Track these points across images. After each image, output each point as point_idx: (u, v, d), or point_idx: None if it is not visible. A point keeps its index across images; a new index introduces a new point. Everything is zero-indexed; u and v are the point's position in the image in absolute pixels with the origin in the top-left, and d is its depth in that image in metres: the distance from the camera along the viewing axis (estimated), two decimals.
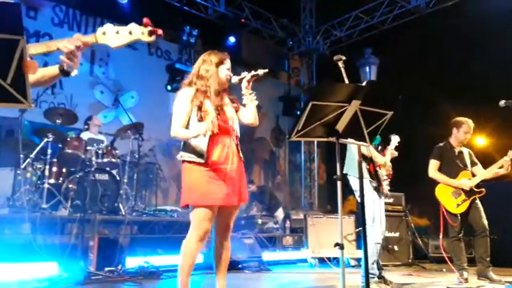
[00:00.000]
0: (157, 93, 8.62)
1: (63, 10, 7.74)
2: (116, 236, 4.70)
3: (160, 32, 1.72)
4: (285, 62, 10.71)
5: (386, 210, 6.04)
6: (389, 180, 3.71)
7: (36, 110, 6.00)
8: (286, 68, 10.80)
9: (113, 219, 4.85)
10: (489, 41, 7.75)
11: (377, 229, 3.53)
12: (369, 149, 2.82)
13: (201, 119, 2.61)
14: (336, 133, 2.18)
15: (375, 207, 3.52)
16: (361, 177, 2.30)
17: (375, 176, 3.52)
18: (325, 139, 2.22)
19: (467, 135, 4.42)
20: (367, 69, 8.36)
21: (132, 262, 4.52)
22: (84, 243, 4.39)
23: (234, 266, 4.98)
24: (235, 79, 2.71)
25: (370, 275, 3.46)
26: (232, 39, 9.04)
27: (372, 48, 9.28)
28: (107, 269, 4.36)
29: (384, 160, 3.62)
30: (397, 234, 6.05)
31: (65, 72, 1.73)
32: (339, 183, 2.22)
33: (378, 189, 3.57)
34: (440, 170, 4.44)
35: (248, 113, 2.74)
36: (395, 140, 3.92)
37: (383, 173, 3.61)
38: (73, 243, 4.34)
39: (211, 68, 2.70)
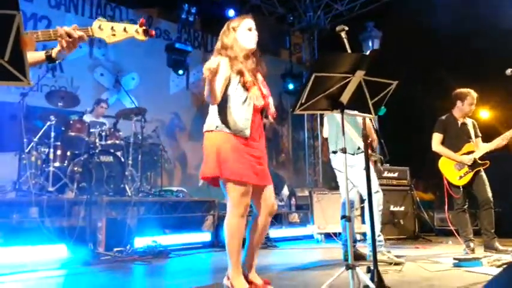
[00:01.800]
0: (158, 74, 8.56)
1: None
2: (124, 217, 4.73)
3: (153, 32, 1.81)
4: (286, 38, 10.55)
5: (391, 185, 6.12)
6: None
7: (37, 93, 5.97)
8: (287, 45, 10.65)
9: (120, 200, 4.88)
10: (495, 12, 7.59)
11: (379, 198, 3.52)
12: (373, 121, 2.77)
13: (244, 85, 2.45)
14: (340, 105, 2.14)
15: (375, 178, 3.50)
16: (366, 151, 2.27)
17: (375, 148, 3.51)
18: (329, 112, 2.19)
19: (472, 106, 4.38)
20: (370, 43, 8.23)
21: (141, 242, 4.57)
22: (92, 225, 4.43)
23: None
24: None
25: (378, 242, 3.47)
26: (231, 12, 8.89)
27: (375, 21, 9.12)
28: (115, 249, 4.41)
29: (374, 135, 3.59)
30: (402, 208, 6.06)
31: (51, 59, 1.75)
32: (344, 155, 2.20)
33: (378, 161, 3.55)
34: (444, 142, 4.42)
35: None
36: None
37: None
38: (81, 225, 4.36)
39: (231, 34, 2.57)
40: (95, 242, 4.34)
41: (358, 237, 5.68)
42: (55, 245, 4.06)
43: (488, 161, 4.27)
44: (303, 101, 2.08)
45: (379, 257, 3.40)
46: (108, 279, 3.35)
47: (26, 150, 4.80)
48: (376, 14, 9.25)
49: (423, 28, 8.52)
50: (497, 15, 7.38)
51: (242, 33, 2.56)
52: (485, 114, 9.61)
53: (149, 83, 8.45)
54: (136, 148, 5.85)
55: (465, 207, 4.28)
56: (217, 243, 5.17)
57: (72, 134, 4.96)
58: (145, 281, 3.47)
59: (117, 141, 5.33)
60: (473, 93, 4.38)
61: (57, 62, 1.77)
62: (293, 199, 6.90)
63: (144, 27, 1.76)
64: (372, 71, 2.05)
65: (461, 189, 4.25)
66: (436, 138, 4.45)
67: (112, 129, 5.37)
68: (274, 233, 5.71)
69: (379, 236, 3.52)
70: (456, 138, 4.40)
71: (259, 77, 2.61)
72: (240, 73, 2.45)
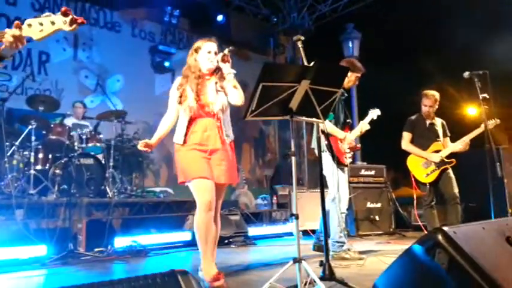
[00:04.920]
0: (143, 75, 8.64)
1: None
2: (104, 217, 4.85)
3: (81, 20, 1.77)
4: (271, 39, 10.68)
5: (368, 182, 6.29)
6: (352, 153, 3.80)
7: (22, 97, 6.04)
8: (272, 45, 10.77)
9: (100, 201, 5.00)
10: (474, 9, 7.76)
11: (342, 199, 3.66)
12: (324, 125, 2.91)
13: (180, 103, 2.80)
14: (289, 111, 2.28)
15: (338, 178, 3.64)
16: (319, 151, 2.43)
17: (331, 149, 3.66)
18: (280, 117, 2.33)
19: (428, 108, 4.53)
20: (350, 44, 8.38)
21: (121, 242, 4.67)
22: (73, 226, 4.55)
23: (219, 242, 5.14)
24: (216, 61, 2.82)
25: (339, 244, 3.64)
26: (220, 17, 9.05)
27: (357, 22, 9.27)
28: (96, 249, 4.53)
29: (344, 135, 3.71)
30: (378, 205, 6.23)
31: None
32: (293, 158, 2.35)
33: (337, 161, 3.66)
34: (413, 141, 4.59)
35: (229, 94, 2.81)
36: (372, 113, 3.92)
37: (344, 147, 3.71)
38: (61, 226, 4.49)
39: (193, 55, 2.88)
40: (75, 243, 4.46)
41: None
42: (35, 246, 4.18)
43: (454, 160, 4.44)
44: (253, 108, 2.21)
45: (343, 255, 3.57)
46: (84, 277, 3.49)
47: (8, 154, 4.90)
48: (358, 15, 9.40)
49: (405, 27, 8.68)
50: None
51: (202, 55, 2.86)
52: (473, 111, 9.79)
53: (134, 84, 8.52)
54: (118, 150, 5.97)
55: (432, 203, 4.46)
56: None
57: (53, 137, 5.08)
58: (117, 277, 3.59)
59: (98, 144, 5.44)
60: (431, 95, 4.51)
61: (6, 59, 1.83)
62: (274, 198, 7.05)
63: (71, 16, 1.74)
64: (317, 80, 2.19)
65: (428, 186, 4.43)
66: (405, 137, 4.63)
67: (93, 132, 5.48)
68: (254, 230, 5.85)
69: (340, 237, 3.67)
70: (424, 138, 4.57)
71: (211, 88, 2.84)
72: (180, 94, 2.81)
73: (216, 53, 2.85)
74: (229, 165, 2.82)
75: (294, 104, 2.26)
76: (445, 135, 4.61)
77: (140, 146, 2.80)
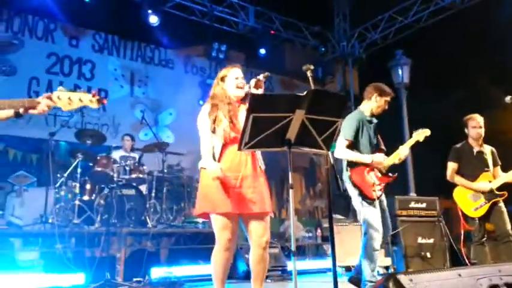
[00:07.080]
0: (193, 108, 8.92)
1: (102, 37, 8.33)
2: (142, 247, 4.95)
3: (105, 101, 2.11)
4: (319, 68, 10.61)
5: (419, 216, 5.85)
6: (383, 184, 3.51)
7: (72, 130, 6.45)
8: (321, 75, 10.70)
9: (139, 231, 5.12)
10: None
11: (374, 236, 3.41)
12: (329, 156, 2.70)
13: (213, 130, 2.71)
14: (287, 142, 2.19)
15: (367, 214, 3.41)
16: (328, 183, 2.31)
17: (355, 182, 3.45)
18: (278, 149, 2.24)
19: (477, 129, 4.16)
20: (399, 70, 8.08)
21: (158, 272, 4.73)
22: (112, 255, 4.68)
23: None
24: (247, 87, 2.78)
25: (371, 283, 3.38)
26: (262, 51, 9.25)
27: (408, 48, 8.96)
28: (134, 279, 4.61)
29: (371, 158, 3.43)
30: (431, 241, 5.74)
31: (18, 115, 2.13)
32: (291, 191, 2.24)
33: (362, 195, 3.44)
34: (459, 171, 4.22)
35: None
36: (418, 135, 3.56)
37: (373, 178, 3.45)
38: (101, 255, 4.64)
39: (219, 84, 2.84)
40: (113, 272, 4.58)
41: (381, 270, 5.47)
42: (74, 274, 4.34)
43: (505, 192, 4.01)
44: (247, 140, 2.14)
45: None
46: None
47: (57, 185, 5.23)
48: (409, 41, 9.10)
49: (459, 52, 8.23)
50: None
51: (230, 82, 2.80)
52: None
53: (185, 117, 8.82)
54: (164, 181, 6.13)
55: (483, 240, 4.03)
56: (233, 274, 5.20)
57: (99, 169, 5.34)
58: None
59: (141, 175, 5.63)
60: (477, 117, 4.17)
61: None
62: (319, 230, 6.79)
63: (97, 97, 2.06)
64: (313, 109, 2.09)
65: (477, 221, 4.02)
66: (450, 167, 4.27)
67: (136, 164, 5.69)
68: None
69: (373, 276, 3.41)
70: (471, 167, 4.19)
71: (242, 115, 2.74)
72: (213, 120, 2.72)
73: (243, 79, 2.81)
74: (262, 193, 2.68)
75: (291, 134, 2.16)
76: (495, 164, 4.19)
77: (216, 179, 2.61)
